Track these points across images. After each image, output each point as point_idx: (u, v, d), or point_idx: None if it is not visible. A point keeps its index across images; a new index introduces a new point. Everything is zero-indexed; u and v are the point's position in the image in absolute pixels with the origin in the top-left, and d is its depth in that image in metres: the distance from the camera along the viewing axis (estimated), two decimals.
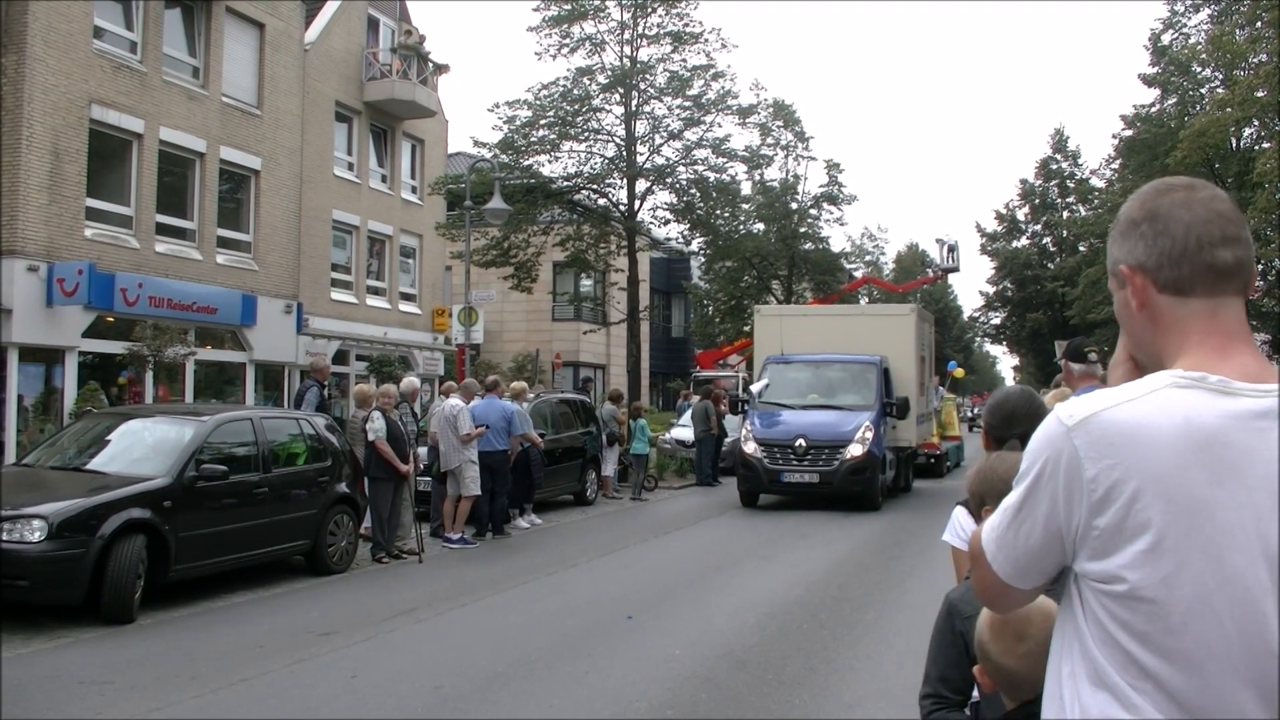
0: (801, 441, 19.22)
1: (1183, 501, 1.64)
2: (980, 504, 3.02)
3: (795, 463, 19.25)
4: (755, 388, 21.21)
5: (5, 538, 9.15)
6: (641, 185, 33.10)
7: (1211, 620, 1.64)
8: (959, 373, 35.40)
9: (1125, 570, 1.67)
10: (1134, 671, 1.68)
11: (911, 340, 22.33)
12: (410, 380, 16.27)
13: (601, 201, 33.69)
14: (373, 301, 30.76)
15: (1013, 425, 3.57)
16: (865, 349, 21.13)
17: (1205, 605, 1.64)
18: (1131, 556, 1.67)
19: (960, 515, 3.77)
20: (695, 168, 33.60)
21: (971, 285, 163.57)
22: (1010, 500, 1.87)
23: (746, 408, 20.97)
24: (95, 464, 11.15)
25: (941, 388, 31.20)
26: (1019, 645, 2.41)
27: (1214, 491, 1.64)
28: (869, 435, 19.20)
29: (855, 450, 19.07)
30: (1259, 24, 30.97)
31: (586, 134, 32.71)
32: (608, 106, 32.77)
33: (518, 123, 31.71)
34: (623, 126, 32.76)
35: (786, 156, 42.04)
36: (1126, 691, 1.68)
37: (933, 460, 27.08)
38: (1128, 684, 1.68)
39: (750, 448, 19.75)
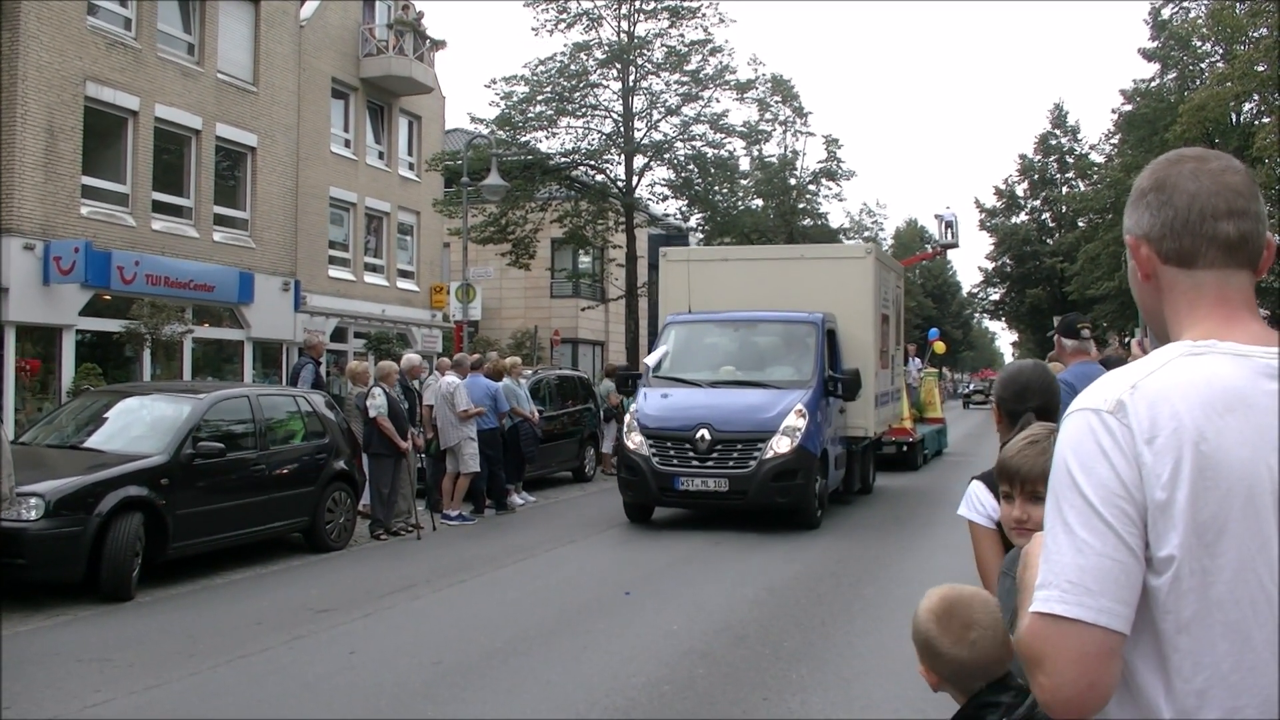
0: (704, 433, 14.00)
1: (1220, 465, 1.62)
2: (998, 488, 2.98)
3: (695, 463, 14.04)
4: (650, 358, 16.00)
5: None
6: (639, 161, 32.99)
7: (1255, 585, 1.62)
8: (939, 347, 32.57)
9: (1175, 549, 1.63)
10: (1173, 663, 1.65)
11: (869, 293, 16.74)
12: (411, 357, 16.25)
13: (599, 178, 33.58)
14: (370, 279, 30.74)
15: (1026, 399, 3.53)
16: (806, 304, 15.85)
17: (1249, 569, 1.62)
18: (1180, 533, 1.62)
19: (978, 489, 3.69)
20: (693, 143, 33.47)
21: (970, 261, 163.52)
22: (1068, 541, 1.66)
23: (639, 384, 15.68)
24: (92, 442, 11.17)
25: (918, 359, 27.19)
26: (969, 633, 2.40)
27: (1246, 452, 1.63)
28: (800, 423, 13.98)
29: (780, 445, 13.84)
30: None
31: (584, 110, 32.59)
32: (605, 82, 32.65)
33: (515, 99, 31.59)
34: (620, 102, 32.62)
35: (785, 132, 42.05)
36: (1155, 686, 1.66)
37: (905, 449, 22.20)
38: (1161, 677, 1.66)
39: (634, 441, 14.46)
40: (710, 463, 14.00)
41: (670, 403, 14.74)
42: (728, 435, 14.01)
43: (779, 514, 14.17)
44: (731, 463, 13.94)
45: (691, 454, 14.07)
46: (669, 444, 14.22)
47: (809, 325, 15.46)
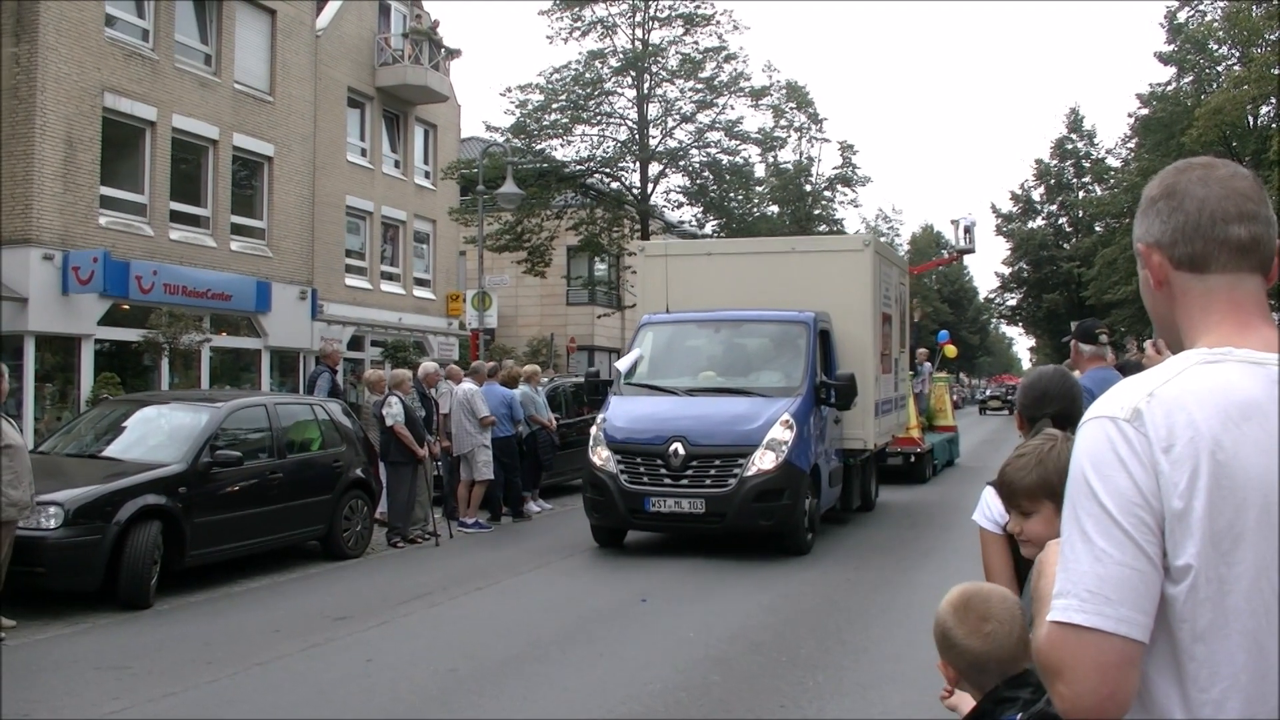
0: (678, 447, 12.38)
1: (1236, 474, 1.62)
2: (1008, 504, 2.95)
3: (668, 482, 12.41)
4: (622, 363, 14.41)
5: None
6: (654, 168, 33.06)
7: (1270, 594, 1.61)
8: (950, 350, 30.56)
9: (1192, 559, 1.62)
10: (1189, 671, 1.64)
11: (868, 289, 14.99)
12: (427, 365, 16.28)
13: (614, 185, 33.66)
14: (387, 287, 30.83)
15: (1045, 405, 3.52)
16: (797, 302, 14.26)
17: (1265, 578, 1.61)
18: (1198, 542, 1.61)
19: (988, 494, 3.69)
20: (708, 150, 33.54)
21: (987, 266, 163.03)
22: (1086, 550, 1.66)
23: (608, 393, 13.93)
24: (111, 451, 11.22)
25: (929, 364, 25.53)
26: (984, 625, 2.41)
27: (1262, 461, 1.62)
28: (787, 436, 12.39)
29: (763, 460, 12.23)
30: (1276, 1, 30.73)
31: (599, 117, 32.67)
32: (620, 90, 32.72)
33: (530, 107, 31.70)
34: (635, 109, 32.69)
35: (800, 138, 42.08)
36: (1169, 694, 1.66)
37: (913, 460, 20.55)
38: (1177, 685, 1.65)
39: (601, 457, 12.84)
40: (685, 481, 12.40)
41: (641, 413, 13.14)
42: (705, 449, 12.43)
43: (764, 539, 12.70)
44: (709, 481, 12.35)
45: (664, 471, 12.45)
46: (639, 459, 12.62)
47: (799, 325, 13.86)
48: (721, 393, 13.40)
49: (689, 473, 12.39)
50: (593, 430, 13.40)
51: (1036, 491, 2.67)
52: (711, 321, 14.45)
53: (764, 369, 13.95)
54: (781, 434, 12.39)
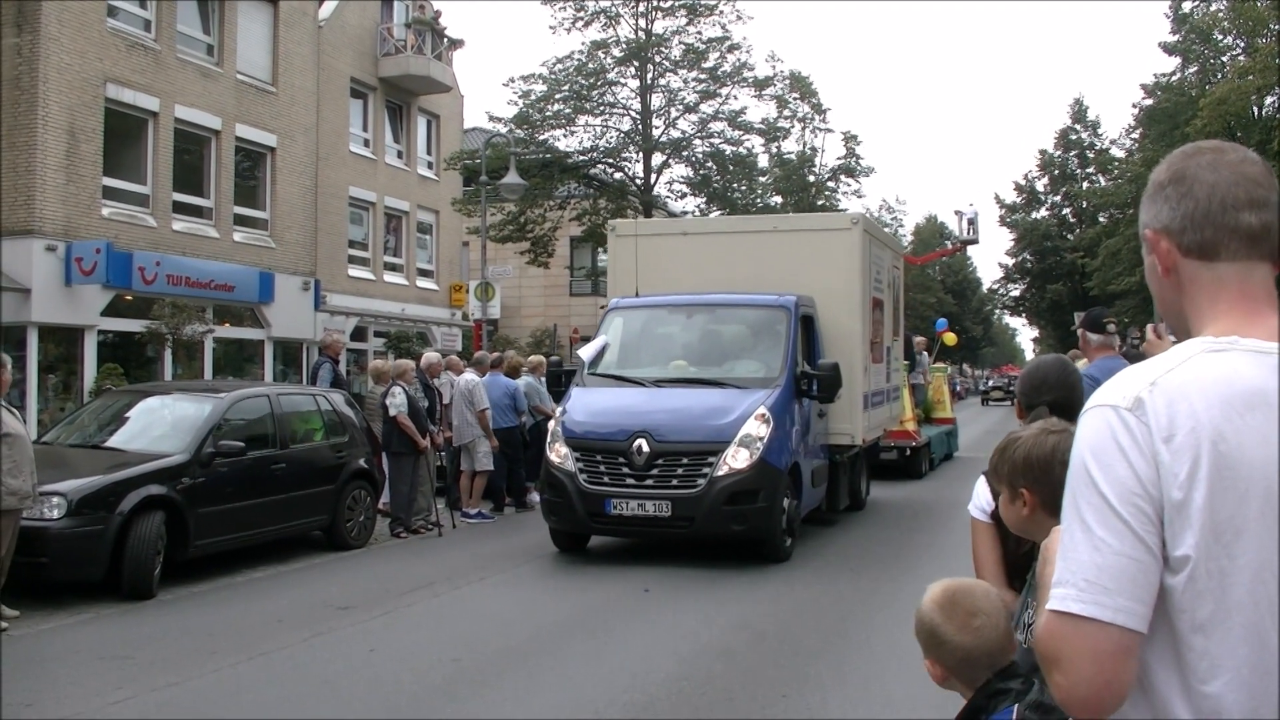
0: (642, 444, 11.26)
1: (1238, 465, 1.60)
2: (996, 493, 2.94)
3: (631, 482, 11.30)
4: (585, 351, 13.20)
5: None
6: (658, 158, 33.09)
7: (1273, 587, 1.60)
8: (950, 338, 29.43)
9: (1190, 550, 1.61)
10: (1190, 666, 1.63)
11: (856, 272, 13.79)
12: (430, 355, 16.26)
13: (618, 175, 33.65)
14: (390, 278, 30.83)
15: (1042, 393, 3.52)
16: (779, 285, 13.14)
17: (1268, 571, 1.60)
18: (1197, 533, 1.60)
19: (979, 484, 3.70)
20: (711, 140, 33.55)
21: (991, 257, 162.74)
22: (1085, 539, 1.65)
23: (571, 386, 12.81)
24: (114, 441, 11.22)
25: (926, 353, 24.33)
26: (973, 620, 2.40)
27: (1265, 452, 1.60)
28: (763, 431, 11.28)
29: (736, 459, 11.11)
30: None
31: (602, 108, 32.68)
32: (623, 80, 32.76)
33: (533, 97, 31.71)
34: (638, 100, 32.69)
35: (803, 129, 42.12)
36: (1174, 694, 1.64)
37: (908, 454, 19.59)
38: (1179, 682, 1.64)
39: (558, 454, 11.73)
40: (649, 481, 11.27)
41: (603, 406, 12.04)
42: (671, 446, 11.29)
43: (735, 543, 11.61)
44: (675, 481, 11.22)
45: (626, 470, 11.33)
46: (599, 457, 11.50)
47: (779, 310, 12.73)
48: (693, 384, 12.34)
49: (654, 472, 11.29)
50: (550, 425, 12.55)
51: (990, 479, 2.72)
52: (684, 306, 13.36)
53: (740, 358, 12.90)
54: (756, 429, 11.32)
